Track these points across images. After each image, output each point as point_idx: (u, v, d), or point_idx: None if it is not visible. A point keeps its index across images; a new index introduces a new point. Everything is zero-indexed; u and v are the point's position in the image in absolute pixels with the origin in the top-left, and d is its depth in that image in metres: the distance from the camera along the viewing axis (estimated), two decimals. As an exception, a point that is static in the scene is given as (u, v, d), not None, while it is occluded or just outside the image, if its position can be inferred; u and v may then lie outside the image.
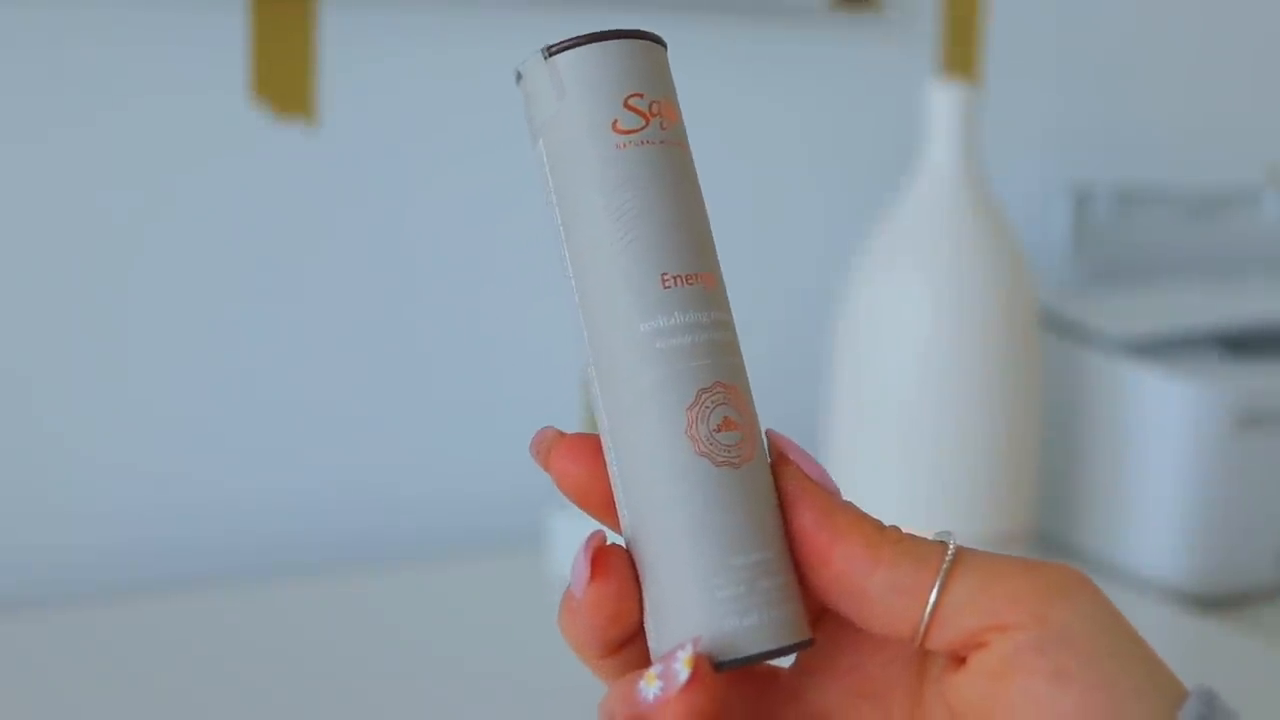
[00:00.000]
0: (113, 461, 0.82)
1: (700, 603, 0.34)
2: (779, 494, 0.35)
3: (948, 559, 0.32)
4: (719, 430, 0.34)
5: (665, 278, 0.34)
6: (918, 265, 0.82)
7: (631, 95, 0.35)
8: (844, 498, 0.35)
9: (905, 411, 0.81)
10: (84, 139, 0.79)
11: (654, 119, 0.35)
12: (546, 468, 0.36)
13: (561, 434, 0.35)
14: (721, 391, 0.34)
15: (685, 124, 0.36)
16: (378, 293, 0.87)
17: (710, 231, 0.36)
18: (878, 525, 0.34)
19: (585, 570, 0.34)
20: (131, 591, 0.81)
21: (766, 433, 0.35)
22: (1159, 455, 0.87)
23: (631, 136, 0.35)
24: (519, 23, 0.88)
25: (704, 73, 0.94)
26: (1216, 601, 0.87)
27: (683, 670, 0.32)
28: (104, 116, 0.79)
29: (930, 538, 0.34)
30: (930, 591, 0.32)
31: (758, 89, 0.96)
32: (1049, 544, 0.93)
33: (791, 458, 0.35)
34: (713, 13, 0.93)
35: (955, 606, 0.32)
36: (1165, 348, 0.91)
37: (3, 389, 0.79)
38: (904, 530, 0.34)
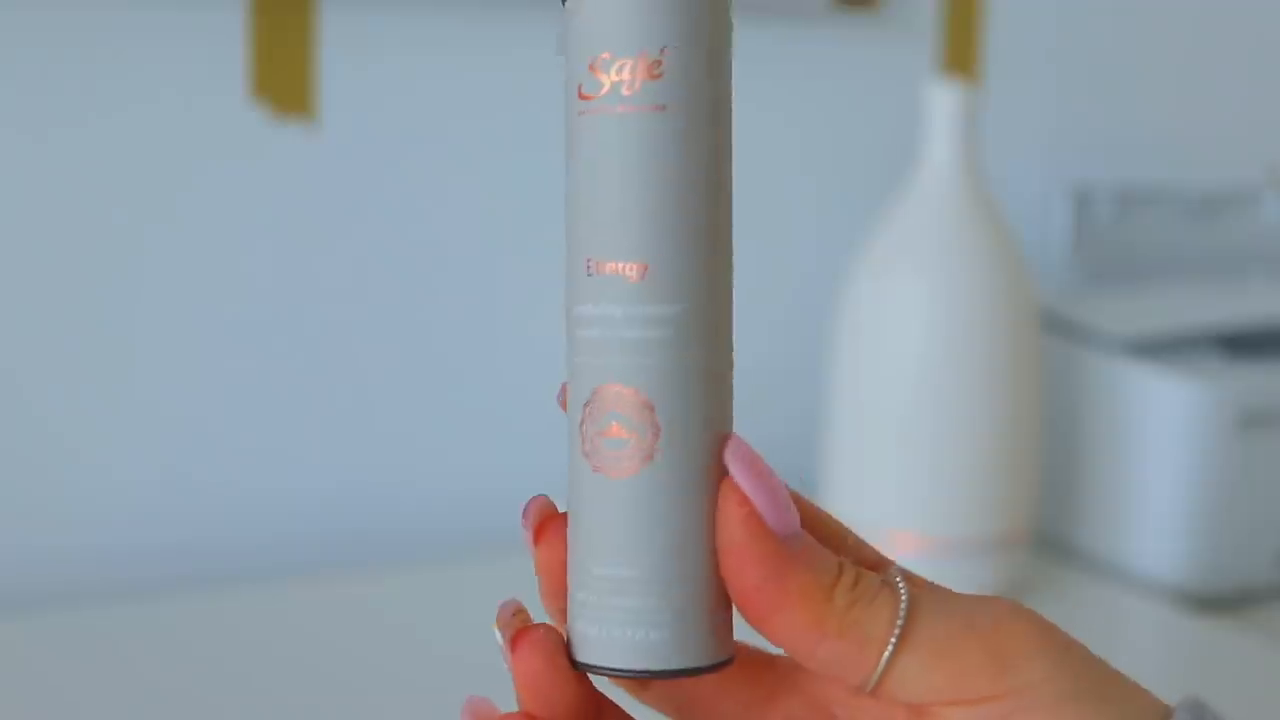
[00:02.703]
0: (114, 462, 0.82)
1: (570, 599, 0.33)
2: (720, 531, 0.31)
3: (894, 637, 0.31)
4: (603, 434, 0.32)
5: (589, 263, 0.32)
6: (917, 265, 0.82)
7: (601, 56, 0.31)
8: (798, 534, 0.31)
9: (905, 411, 0.81)
10: (84, 140, 0.79)
11: (615, 83, 0.31)
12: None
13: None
14: (616, 395, 0.31)
15: (698, 77, 0.32)
16: (378, 294, 0.87)
17: (677, 212, 0.31)
18: (825, 590, 0.31)
19: (527, 535, 0.34)
20: (131, 592, 0.81)
21: (726, 449, 0.32)
22: (1159, 455, 0.87)
23: (589, 103, 0.31)
24: (520, 24, 0.88)
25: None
26: (1216, 601, 0.87)
27: (497, 634, 0.33)
28: (104, 117, 0.79)
29: (881, 581, 0.32)
30: (874, 670, 0.31)
31: (758, 88, 0.96)
32: (1049, 544, 0.93)
33: (744, 489, 0.31)
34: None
35: (901, 680, 0.31)
36: (1165, 348, 0.91)
37: (3, 390, 0.79)
38: (855, 581, 0.31)
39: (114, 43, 0.78)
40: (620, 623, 0.32)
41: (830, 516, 0.34)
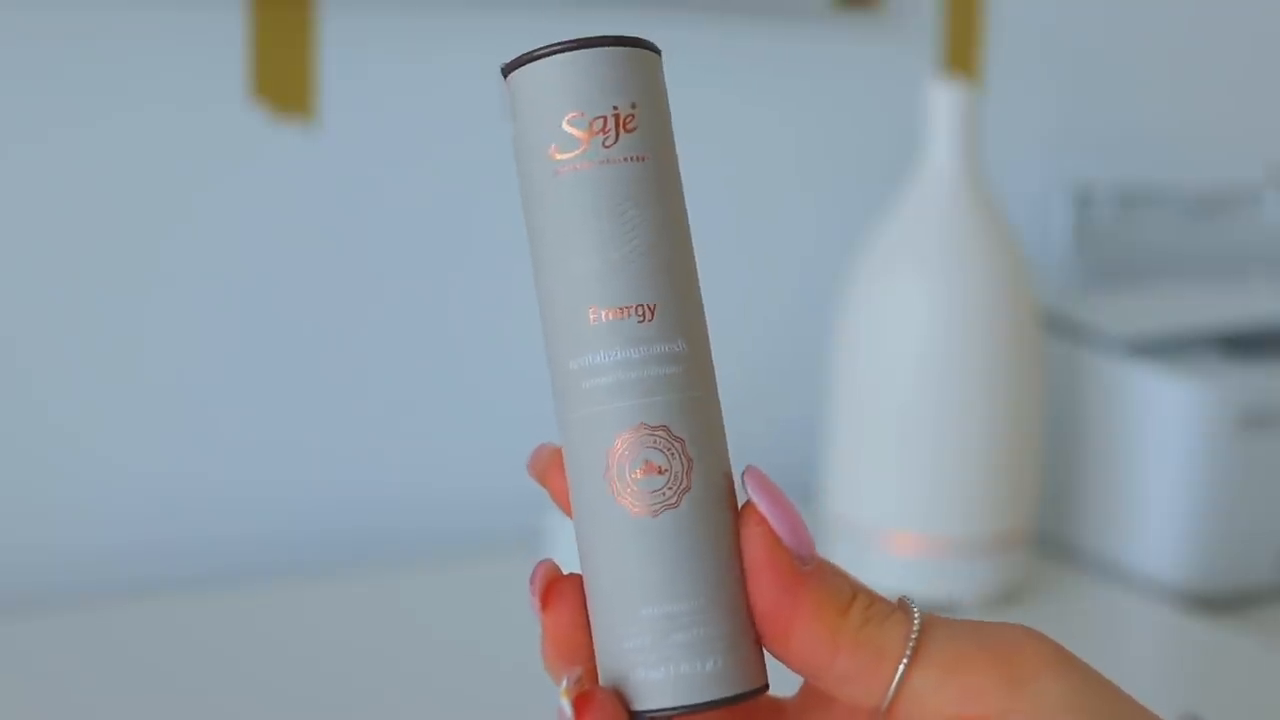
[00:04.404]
0: (114, 462, 0.82)
1: (612, 650, 0.33)
2: (744, 551, 0.33)
3: (908, 650, 0.32)
4: (639, 475, 0.33)
5: (593, 312, 0.33)
6: (918, 265, 0.82)
7: (571, 115, 0.33)
8: (814, 556, 0.33)
9: (905, 412, 0.81)
10: (85, 140, 0.79)
11: (594, 138, 0.33)
12: (542, 483, 0.36)
13: (557, 451, 0.35)
14: (647, 434, 0.33)
15: (662, 129, 0.34)
16: (378, 294, 0.87)
17: (671, 250, 0.34)
18: (840, 606, 0.33)
19: (534, 601, 0.34)
20: (131, 592, 0.81)
21: (744, 473, 0.34)
22: (1159, 455, 0.87)
23: (566, 160, 0.33)
24: (520, 23, 0.88)
25: (703, 73, 0.94)
26: (1217, 602, 0.87)
27: (565, 705, 0.33)
28: (104, 118, 0.79)
29: (896, 604, 0.33)
30: (889, 685, 0.32)
31: (758, 88, 0.96)
32: (1049, 544, 0.93)
33: (762, 510, 0.33)
34: (712, 13, 0.93)
35: (915, 699, 0.32)
36: (1166, 348, 0.91)
37: (9, 390, 0.79)
38: (870, 603, 0.33)
39: (114, 43, 0.78)
40: (683, 658, 0.32)
41: (841, 569, 0.35)
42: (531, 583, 0.34)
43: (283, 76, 0.83)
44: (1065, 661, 0.32)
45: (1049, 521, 0.93)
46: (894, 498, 0.82)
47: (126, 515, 0.82)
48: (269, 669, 0.70)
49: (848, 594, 0.33)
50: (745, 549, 0.33)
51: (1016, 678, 0.31)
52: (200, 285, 0.83)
